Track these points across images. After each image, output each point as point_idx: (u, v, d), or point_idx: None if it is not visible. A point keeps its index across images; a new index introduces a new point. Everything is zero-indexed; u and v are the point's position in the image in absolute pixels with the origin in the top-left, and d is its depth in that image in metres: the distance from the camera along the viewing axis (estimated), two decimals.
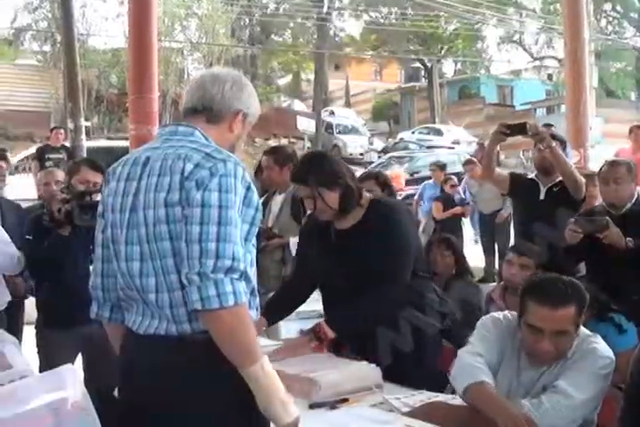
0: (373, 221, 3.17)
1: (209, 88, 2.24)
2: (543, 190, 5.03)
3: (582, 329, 2.77)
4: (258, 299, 2.15)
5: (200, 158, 2.07)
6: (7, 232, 4.17)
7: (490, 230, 10.00)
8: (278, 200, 5.00)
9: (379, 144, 29.36)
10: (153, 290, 2.10)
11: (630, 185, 4.34)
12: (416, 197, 11.30)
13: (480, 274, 9.32)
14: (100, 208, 2.30)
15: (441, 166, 11.38)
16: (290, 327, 3.64)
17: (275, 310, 3.42)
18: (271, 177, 4.99)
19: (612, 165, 4.43)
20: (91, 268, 2.38)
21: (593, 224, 4.10)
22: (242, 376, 2.01)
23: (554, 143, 4.75)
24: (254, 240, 2.18)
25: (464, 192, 10.79)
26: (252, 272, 2.10)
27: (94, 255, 2.34)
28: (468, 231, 11.34)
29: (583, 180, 4.85)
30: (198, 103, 2.24)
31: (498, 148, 5.15)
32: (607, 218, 4.08)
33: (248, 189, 2.10)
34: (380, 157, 25.24)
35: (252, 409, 2.05)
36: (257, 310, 2.15)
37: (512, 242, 7.18)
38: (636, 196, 4.37)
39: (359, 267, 3.11)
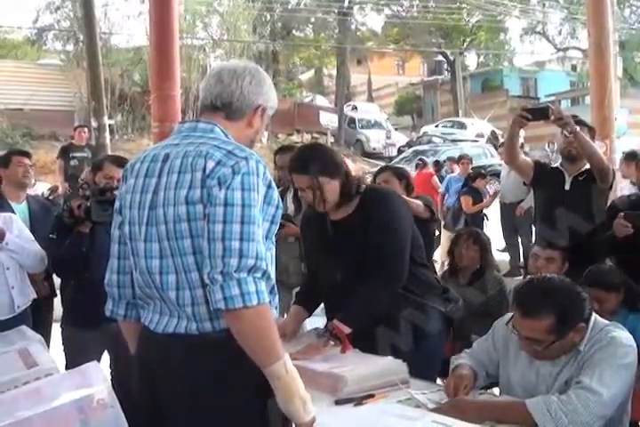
0: (368, 208, 3.16)
1: (227, 84, 2.20)
2: (569, 180, 4.87)
3: (598, 320, 2.75)
4: (277, 297, 2.14)
5: (222, 156, 2.06)
6: (36, 231, 4.21)
7: (511, 223, 9.88)
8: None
9: (402, 138, 29.23)
10: (173, 287, 2.10)
11: None
12: (442, 191, 11.23)
13: (506, 267, 9.25)
14: (116, 204, 2.30)
15: (470, 160, 11.31)
16: (315, 322, 3.63)
17: (308, 302, 3.44)
18: None
19: None
20: None
21: None
22: (263, 375, 2.01)
23: (578, 128, 4.60)
24: (274, 238, 2.17)
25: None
26: (272, 270, 2.09)
27: (111, 251, 2.33)
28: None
29: (611, 166, 4.75)
30: (217, 100, 2.21)
31: (522, 133, 4.98)
32: None
33: (269, 186, 2.10)
34: (403, 151, 25.15)
35: (272, 408, 2.05)
36: (276, 308, 2.14)
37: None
38: None
39: (358, 256, 3.10)
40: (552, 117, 4.51)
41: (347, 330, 3.01)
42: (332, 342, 3.02)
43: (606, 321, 2.77)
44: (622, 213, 4.12)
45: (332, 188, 3.12)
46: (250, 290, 1.95)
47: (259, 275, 1.98)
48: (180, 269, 2.08)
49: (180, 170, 2.09)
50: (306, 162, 3.11)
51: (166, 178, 2.12)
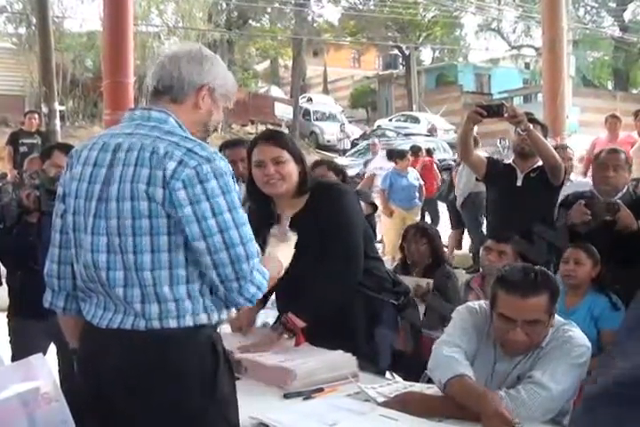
0: (318, 203, 3.14)
1: (166, 67, 2.17)
2: (520, 176, 4.92)
3: (556, 317, 2.77)
4: None
5: (182, 155, 2.01)
6: None
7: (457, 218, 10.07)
8: (242, 189, 4.94)
9: (356, 131, 29.29)
10: (121, 284, 2.05)
11: (625, 173, 4.39)
12: (383, 187, 10.59)
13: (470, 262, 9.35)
14: (59, 191, 2.23)
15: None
16: (265, 315, 3.62)
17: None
18: (242, 168, 4.84)
19: (612, 152, 4.47)
20: None
21: (605, 207, 4.12)
22: (210, 374, 2.05)
23: (531, 126, 4.65)
24: None
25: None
26: None
27: (51, 240, 2.27)
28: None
29: (563, 164, 4.82)
30: (158, 84, 2.18)
31: (475, 129, 5.03)
32: (619, 201, 4.13)
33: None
34: (357, 144, 25.20)
35: (221, 405, 2.08)
36: None
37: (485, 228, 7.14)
38: (626, 186, 4.41)
39: (311, 253, 3.04)
40: (506, 115, 4.56)
41: (301, 324, 2.99)
42: (285, 336, 3.02)
43: (563, 320, 2.80)
44: (582, 201, 4.20)
45: (293, 169, 3.09)
46: (260, 281, 2.08)
47: (256, 262, 2.08)
48: (129, 266, 2.03)
49: (136, 163, 2.03)
50: (280, 135, 3.15)
51: (121, 170, 2.05)
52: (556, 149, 5.13)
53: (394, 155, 11.19)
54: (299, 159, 3.11)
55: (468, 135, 4.95)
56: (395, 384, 2.86)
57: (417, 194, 10.61)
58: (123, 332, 2.07)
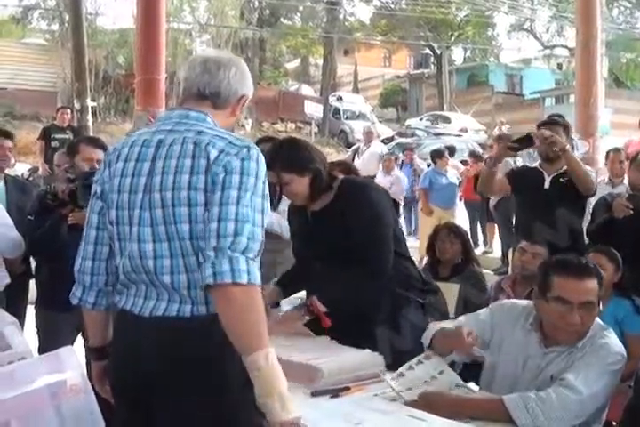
0: (344, 199, 3.18)
1: (215, 74, 2.23)
2: (548, 179, 4.88)
3: (597, 321, 2.77)
4: None
5: (224, 145, 2.08)
6: (11, 211, 4.14)
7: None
8: None
9: (386, 130, 29.19)
10: (168, 272, 2.09)
11: None
12: (423, 186, 10.60)
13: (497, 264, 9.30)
14: (97, 189, 2.27)
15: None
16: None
17: (287, 286, 3.45)
18: None
19: None
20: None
21: None
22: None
23: (568, 146, 4.66)
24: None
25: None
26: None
27: (84, 237, 2.30)
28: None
29: (595, 180, 4.79)
30: (205, 89, 2.23)
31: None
32: None
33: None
34: (387, 143, 25.14)
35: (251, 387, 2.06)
36: None
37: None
38: None
39: (335, 247, 3.12)
40: (537, 142, 4.61)
41: (323, 309, 3.08)
42: (306, 317, 3.10)
43: (603, 324, 2.79)
44: (626, 194, 4.23)
45: (299, 184, 3.13)
46: (241, 268, 1.93)
47: (251, 255, 1.97)
48: (176, 253, 2.08)
49: (179, 155, 2.09)
50: (272, 159, 3.08)
51: (163, 162, 2.11)
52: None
53: (432, 155, 11.11)
54: (301, 171, 3.13)
55: (495, 169, 4.93)
56: (418, 367, 2.77)
57: (457, 193, 10.55)
58: (167, 319, 2.10)
